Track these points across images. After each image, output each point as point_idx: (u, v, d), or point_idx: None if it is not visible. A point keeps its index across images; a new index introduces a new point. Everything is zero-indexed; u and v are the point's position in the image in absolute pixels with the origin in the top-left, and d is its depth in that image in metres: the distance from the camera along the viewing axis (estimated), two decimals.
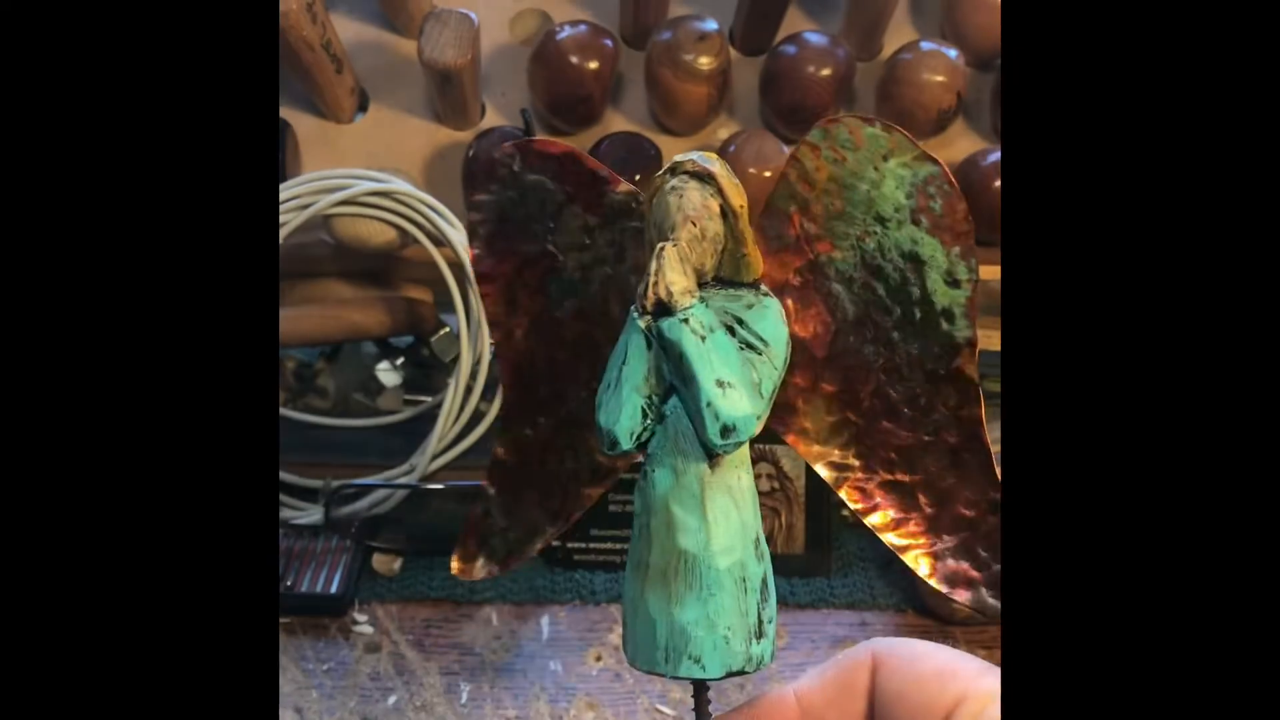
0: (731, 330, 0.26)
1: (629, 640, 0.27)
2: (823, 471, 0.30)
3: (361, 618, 0.53)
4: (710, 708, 0.26)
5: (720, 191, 0.26)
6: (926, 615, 0.55)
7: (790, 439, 0.30)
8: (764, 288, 0.28)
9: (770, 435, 0.28)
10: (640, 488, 0.27)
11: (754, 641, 0.26)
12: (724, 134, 0.63)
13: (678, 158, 0.27)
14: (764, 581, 0.26)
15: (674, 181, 0.26)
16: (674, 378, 0.26)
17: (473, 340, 0.56)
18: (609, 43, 0.60)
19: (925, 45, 0.61)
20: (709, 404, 0.25)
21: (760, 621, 0.26)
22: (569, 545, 0.56)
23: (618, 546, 0.56)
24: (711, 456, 0.26)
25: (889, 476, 0.29)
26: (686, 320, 0.25)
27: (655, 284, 0.25)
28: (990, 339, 0.62)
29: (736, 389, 0.25)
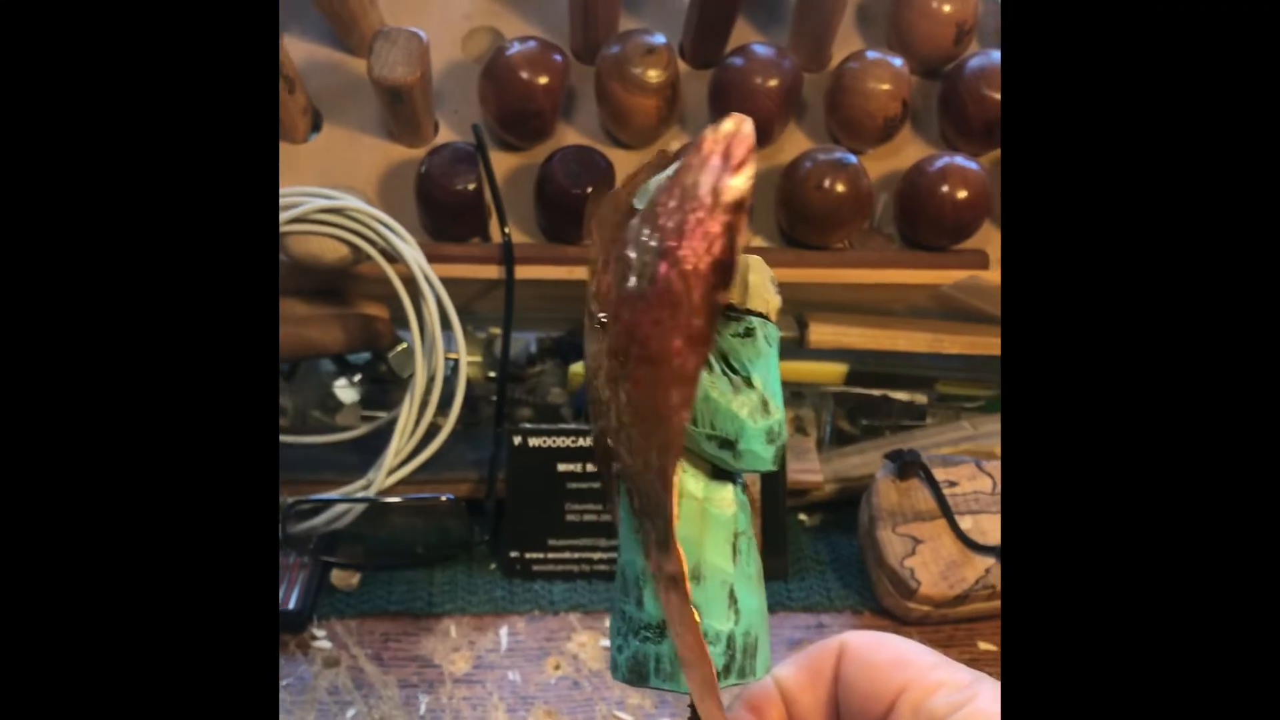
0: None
1: None
2: None
3: (320, 633, 0.53)
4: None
5: None
6: (883, 616, 0.56)
7: None
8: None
9: None
10: (742, 503, 0.26)
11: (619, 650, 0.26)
12: (675, 146, 0.64)
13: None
14: (621, 603, 0.26)
15: None
16: None
17: (427, 355, 0.56)
18: (559, 57, 0.60)
19: (871, 55, 0.62)
20: None
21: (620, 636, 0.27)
22: (527, 556, 0.57)
23: (575, 556, 0.57)
24: None
25: None
26: None
27: None
28: (986, 344, 0.63)
29: None
